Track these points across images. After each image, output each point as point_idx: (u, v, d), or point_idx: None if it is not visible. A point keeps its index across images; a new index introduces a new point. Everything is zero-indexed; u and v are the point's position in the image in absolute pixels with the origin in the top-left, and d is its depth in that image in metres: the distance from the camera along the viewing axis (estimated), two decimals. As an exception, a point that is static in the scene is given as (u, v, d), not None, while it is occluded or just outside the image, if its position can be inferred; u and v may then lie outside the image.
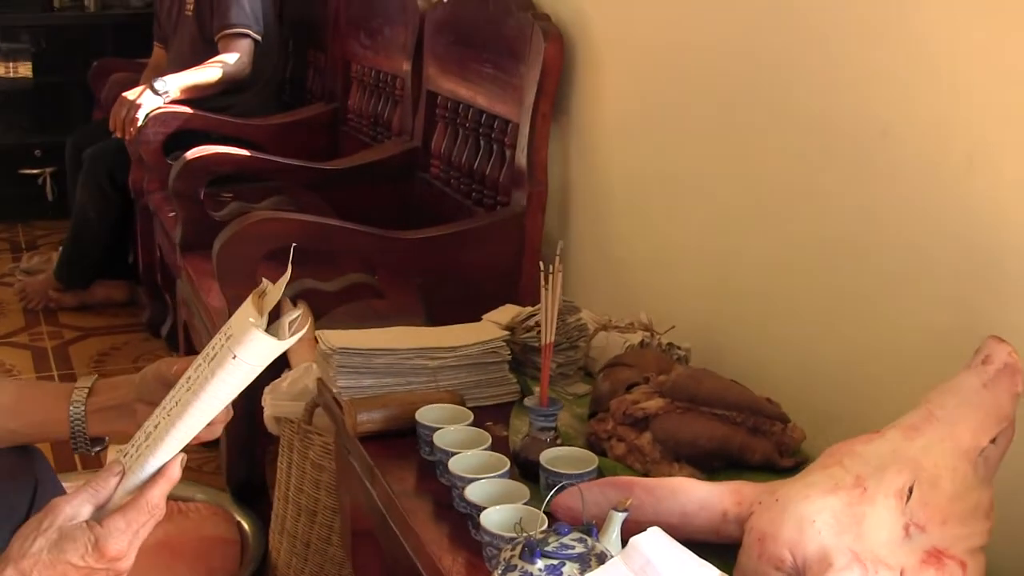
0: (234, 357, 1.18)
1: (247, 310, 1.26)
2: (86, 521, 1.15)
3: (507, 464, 1.48)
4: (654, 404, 1.58)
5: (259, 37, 3.60)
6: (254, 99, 3.63)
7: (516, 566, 1.22)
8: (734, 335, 1.95)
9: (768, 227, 1.89)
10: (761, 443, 1.58)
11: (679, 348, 1.86)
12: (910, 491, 1.26)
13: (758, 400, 1.59)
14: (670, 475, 1.53)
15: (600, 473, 1.50)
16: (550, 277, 1.59)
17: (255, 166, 2.84)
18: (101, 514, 1.19)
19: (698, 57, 2.05)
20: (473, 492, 1.42)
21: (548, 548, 1.22)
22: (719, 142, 2.01)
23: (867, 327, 1.70)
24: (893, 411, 1.52)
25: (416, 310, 2.40)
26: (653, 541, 1.22)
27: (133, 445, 1.31)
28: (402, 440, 1.66)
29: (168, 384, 1.32)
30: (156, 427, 1.26)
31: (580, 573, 1.21)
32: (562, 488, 1.39)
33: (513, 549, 1.25)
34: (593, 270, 2.44)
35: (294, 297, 2.26)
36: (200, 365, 1.25)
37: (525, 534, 1.26)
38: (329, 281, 2.31)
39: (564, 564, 1.21)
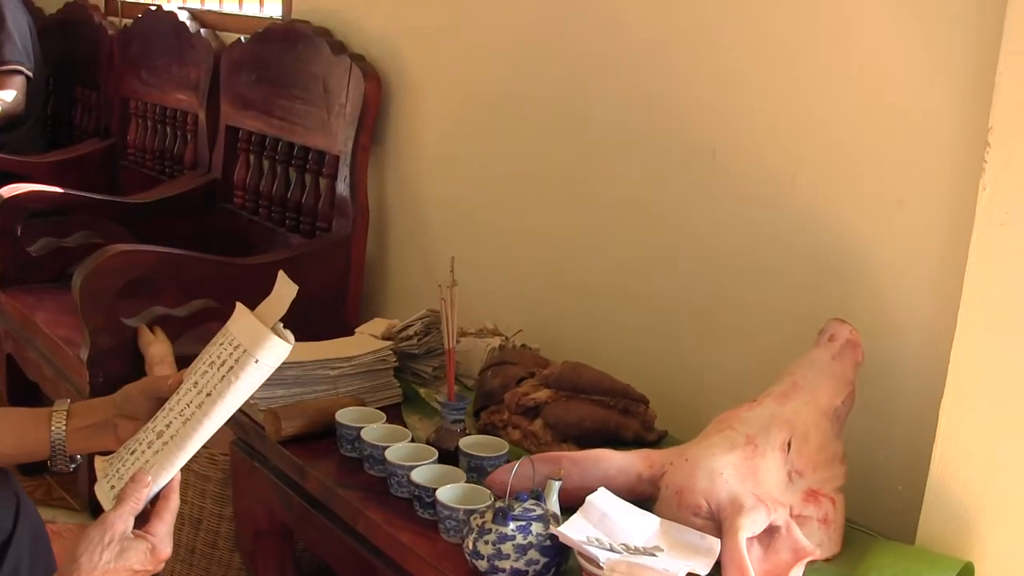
0: (256, 361, 1.30)
1: (247, 320, 1.37)
2: (140, 532, 1.27)
3: (435, 453, 1.63)
4: (543, 394, 1.77)
5: (31, 74, 3.52)
6: (27, 136, 3.54)
7: (491, 529, 1.39)
8: (569, 336, 2.16)
9: (600, 240, 2.12)
10: (631, 422, 1.80)
11: (530, 348, 2.06)
12: (789, 445, 1.52)
13: (626, 386, 1.82)
14: (560, 454, 1.73)
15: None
16: (447, 290, 1.74)
17: (69, 202, 2.81)
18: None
19: (523, 88, 2.26)
20: (419, 476, 1.56)
21: (515, 512, 1.39)
22: (546, 166, 2.23)
23: (695, 324, 1.96)
24: (718, 389, 1.80)
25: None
26: (605, 498, 1.43)
27: (129, 451, 1.38)
28: (317, 442, 1.77)
29: (157, 398, 1.42)
30: (167, 429, 1.34)
31: (545, 529, 1.39)
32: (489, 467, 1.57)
33: (483, 516, 1.42)
34: (416, 286, 2.60)
35: (149, 324, 2.30)
36: (207, 372, 1.35)
37: (496, 503, 1.42)
38: (179, 307, 2.35)
39: (531, 524, 1.39)
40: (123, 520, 1.26)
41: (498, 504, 1.42)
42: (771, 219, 1.81)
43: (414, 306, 2.53)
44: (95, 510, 2.39)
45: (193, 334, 2.37)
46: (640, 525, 1.40)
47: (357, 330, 2.07)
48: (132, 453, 1.37)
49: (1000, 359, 1.43)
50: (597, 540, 1.36)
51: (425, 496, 1.54)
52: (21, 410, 1.55)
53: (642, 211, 2.03)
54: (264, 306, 1.46)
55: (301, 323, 2.41)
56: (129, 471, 1.35)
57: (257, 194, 2.91)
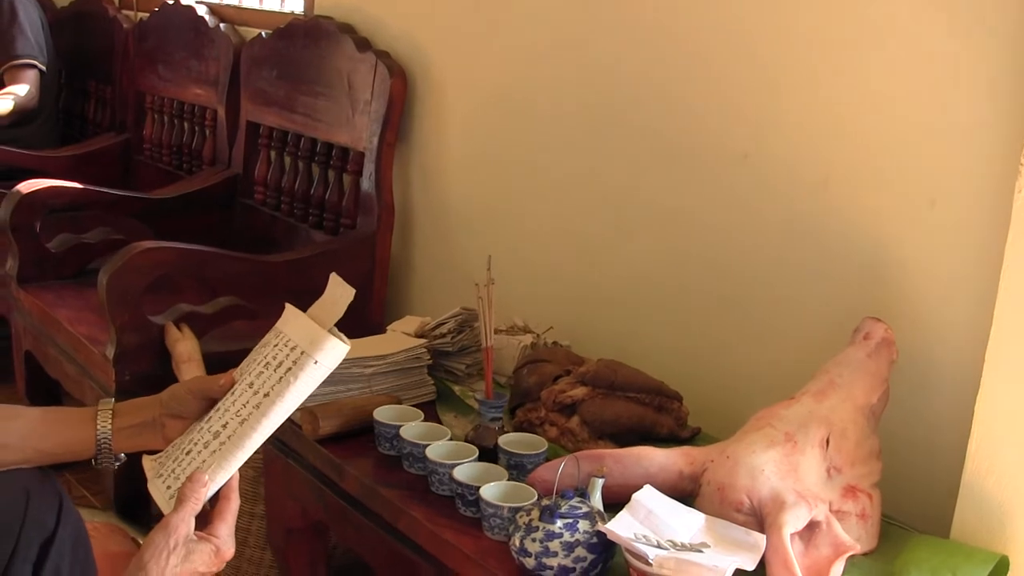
0: (315, 362, 1.33)
1: (302, 322, 1.40)
2: (203, 534, 1.28)
3: (475, 451, 1.66)
4: (579, 392, 1.80)
5: (44, 68, 3.54)
6: (39, 130, 3.55)
7: (538, 527, 1.41)
8: (599, 333, 2.19)
9: (628, 239, 2.15)
10: (666, 419, 1.83)
11: (561, 344, 2.09)
12: (827, 442, 1.55)
13: (660, 383, 1.84)
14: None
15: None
16: (484, 288, 1.77)
17: (89, 198, 2.83)
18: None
19: (550, 88, 2.28)
20: (461, 474, 1.59)
21: (562, 510, 1.42)
22: (574, 166, 2.25)
23: (727, 322, 1.99)
24: (751, 387, 1.82)
25: (276, 328, 2.51)
26: (651, 495, 1.46)
27: (184, 451, 1.40)
28: (353, 440, 1.79)
29: (207, 398, 1.45)
30: (224, 429, 1.36)
31: (591, 526, 1.42)
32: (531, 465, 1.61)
33: (529, 514, 1.44)
34: (442, 284, 2.62)
35: (176, 321, 2.32)
36: (263, 373, 1.38)
37: (542, 501, 1.45)
38: (204, 304, 2.37)
39: (578, 521, 1.41)
40: (185, 522, 1.27)
41: (545, 502, 1.45)
42: (804, 220, 1.84)
43: (439, 304, 2.56)
44: (120, 507, 2.42)
45: (219, 332, 2.39)
46: (685, 522, 1.43)
47: (389, 328, 2.09)
48: (187, 453, 1.40)
49: (1037, 357, 1.46)
50: (644, 537, 1.38)
51: (468, 494, 1.57)
52: (64, 410, 1.57)
53: (672, 212, 2.06)
54: (317, 308, 1.49)
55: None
56: (186, 471, 1.37)
57: (278, 190, 2.93)
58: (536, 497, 1.52)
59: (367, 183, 2.58)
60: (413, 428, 1.72)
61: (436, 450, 1.66)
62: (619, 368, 1.83)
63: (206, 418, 1.43)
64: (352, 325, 2.44)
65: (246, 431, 1.34)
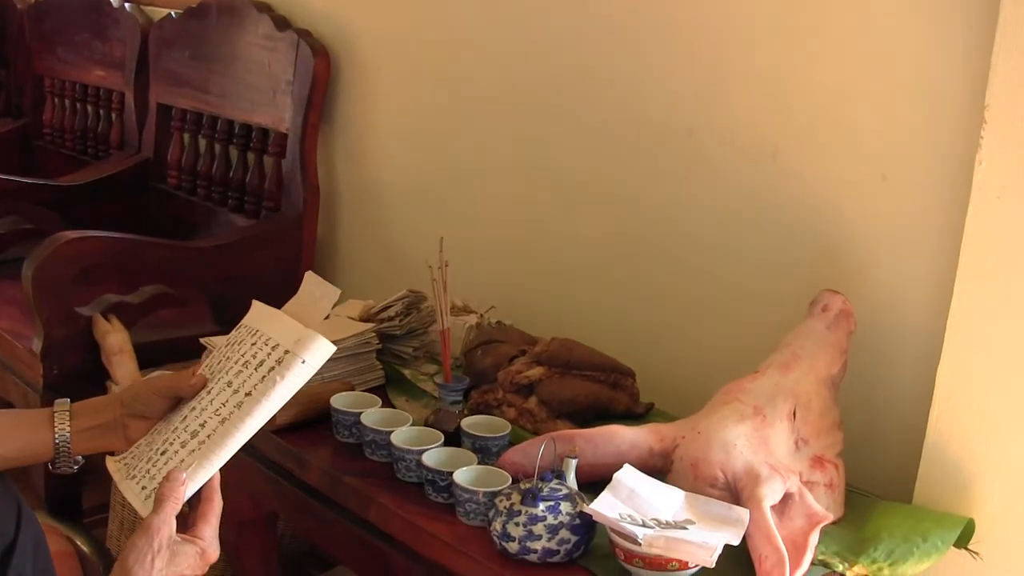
0: (303, 362, 1.30)
1: (283, 321, 1.36)
2: (187, 536, 1.23)
3: (439, 435, 1.62)
4: (536, 372, 1.78)
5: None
6: (-70, 117, 3.38)
7: (520, 511, 1.39)
8: (541, 312, 2.16)
9: (569, 218, 2.13)
10: (621, 396, 1.82)
11: (505, 324, 2.06)
12: (794, 414, 1.56)
13: (614, 361, 1.83)
14: (555, 431, 1.74)
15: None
16: (438, 271, 1.73)
17: (-5, 187, 2.70)
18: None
19: (485, 65, 2.25)
20: (430, 460, 1.55)
21: (544, 493, 1.40)
22: (511, 146, 2.21)
23: (673, 298, 1.98)
24: (699, 362, 1.83)
25: (206, 316, 2.43)
26: (631, 475, 1.44)
27: (159, 451, 1.34)
28: (309, 430, 1.74)
29: (173, 397, 1.39)
30: (202, 429, 1.31)
31: (573, 508, 1.40)
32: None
33: (510, 498, 1.41)
34: (369, 266, 2.57)
35: (103, 312, 2.22)
36: (242, 372, 1.33)
37: (522, 484, 1.43)
38: (131, 294, 2.28)
39: (559, 503, 1.39)
40: (167, 524, 1.22)
41: (524, 485, 1.42)
42: (753, 194, 1.84)
43: (366, 286, 2.51)
44: (51, 507, 2.32)
45: (146, 321, 2.30)
46: (666, 499, 1.42)
47: (332, 312, 2.03)
48: (162, 454, 1.34)
49: (997, 324, 1.49)
50: (629, 516, 1.37)
51: (439, 480, 1.53)
52: (17, 412, 1.49)
53: (617, 188, 2.04)
54: (294, 305, 1.45)
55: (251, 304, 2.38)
56: (162, 471, 1.31)
57: (194, 173, 2.83)
58: (510, 481, 1.49)
59: (291, 165, 2.51)
60: (373, 414, 1.68)
61: (400, 436, 1.61)
62: (574, 347, 1.81)
63: (180, 417, 1.38)
64: (279, 307, 2.38)
65: (228, 430, 1.29)
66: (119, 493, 2.09)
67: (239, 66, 2.62)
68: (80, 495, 2.32)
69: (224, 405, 1.33)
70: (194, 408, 1.37)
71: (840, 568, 1.43)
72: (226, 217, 2.69)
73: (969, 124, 1.54)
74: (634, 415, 1.82)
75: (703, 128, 1.89)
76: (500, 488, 1.47)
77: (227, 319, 2.35)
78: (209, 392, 1.38)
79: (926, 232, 1.63)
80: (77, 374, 2.19)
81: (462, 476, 1.50)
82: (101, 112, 3.17)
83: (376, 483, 1.60)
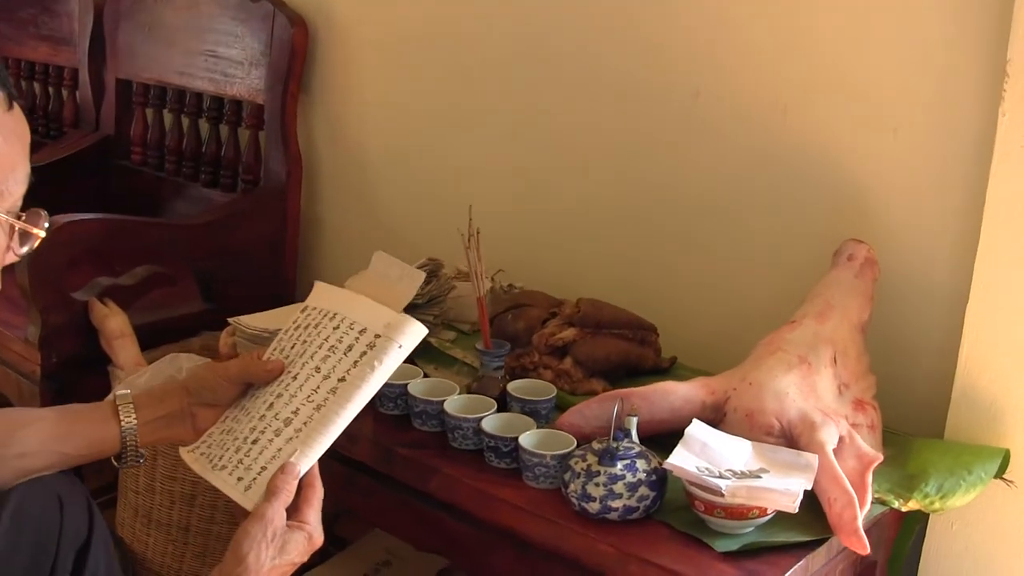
0: (400, 347, 1.29)
1: (361, 303, 1.35)
2: (295, 523, 1.23)
3: (494, 403, 1.62)
4: (569, 333, 1.79)
5: None
6: None
7: (599, 471, 1.41)
8: (552, 273, 2.17)
9: (577, 178, 2.13)
10: (648, 352, 1.85)
11: (516, 287, 2.06)
12: (835, 360, 1.61)
13: (640, 318, 1.86)
14: (590, 390, 1.76)
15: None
16: (472, 239, 1.73)
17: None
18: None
19: (475, 24, 2.22)
20: (489, 426, 1.56)
21: (619, 452, 1.42)
22: (513, 105, 2.19)
23: (687, 256, 2.01)
24: (703, 315, 1.88)
25: (194, 294, 2.39)
26: (702, 429, 1.47)
27: (250, 441, 1.32)
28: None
29: (245, 384, 1.38)
30: (296, 416, 1.30)
31: (648, 465, 1.42)
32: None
33: (586, 460, 1.43)
34: (357, 234, 2.54)
35: (99, 296, 2.17)
36: (329, 357, 1.32)
37: (594, 444, 1.45)
38: (124, 276, 2.22)
39: (635, 461, 1.42)
40: (279, 514, 1.22)
41: (598, 446, 1.44)
42: (763, 152, 1.86)
43: (355, 255, 2.47)
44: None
45: (141, 303, 2.25)
46: (737, 450, 1.45)
47: (346, 285, 2.01)
48: (254, 443, 1.32)
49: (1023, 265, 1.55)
50: (707, 469, 1.40)
51: (502, 446, 1.54)
52: (78, 407, 1.45)
53: (623, 147, 2.05)
54: (362, 285, 1.43)
55: (240, 279, 2.35)
56: (257, 461, 1.30)
57: (160, 149, 2.76)
58: (574, 442, 1.51)
59: (270, 136, 2.46)
60: (419, 385, 1.68)
61: (452, 405, 1.62)
62: (603, 306, 1.83)
63: (262, 404, 1.36)
64: (266, 282, 2.36)
65: (328, 416, 1.29)
66: (130, 479, 2.05)
67: (207, 39, 2.55)
68: (83, 478, 2.26)
69: (316, 391, 1.32)
70: (280, 395, 1.35)
71: (896, 504, 1.49)
72: (199, 192, 2.63)
73: (985, 78, 1.58)
74: (661, 370, 1.86)
75: (710, 89, 1.91)
76: (568, 450, 1.49)
77: (216, 296, 2.32)
78: (295, 379, 1.36)
79: (942, 182, 1.69)
80: (76, 361, 2.13)
81: (527, 440, 1.51)
82: (51, 90, 3.05)
83: (431, 453, 1.60)
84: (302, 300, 2.50)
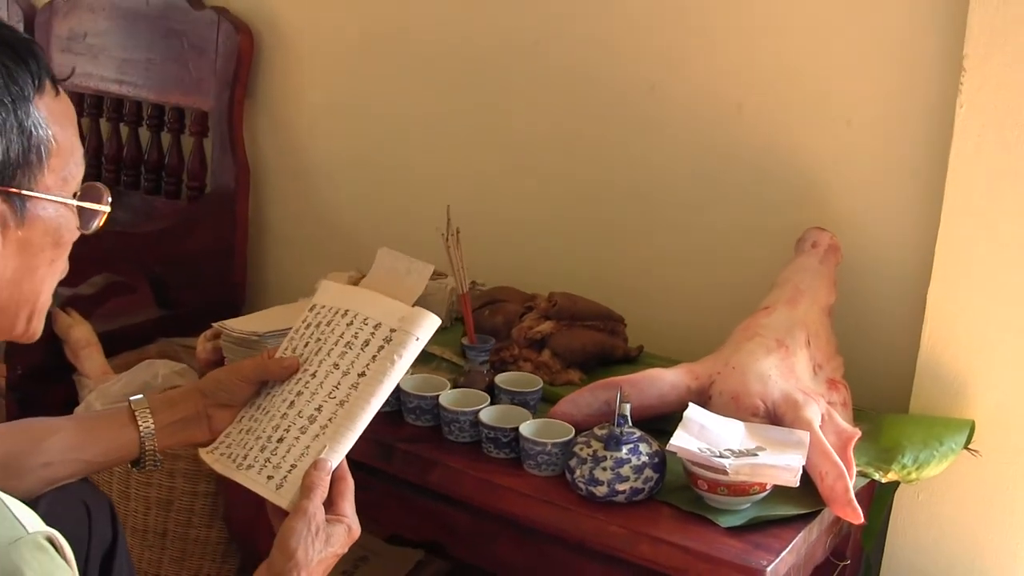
0: (417, 339, 1.31)
1: (371, 298, 1.37)
2: (334, 516, 1.26)
3: (487, 397, 1.65)
4: (547, 326, 1.83)
5: None
6: None
7: (605, 456, 1.45)
8: (510, 270, 2.20)
9: (524, 177, 2.16)
10: (618, 341, 1.91)
11: (479, 284, 2.09)
12: (808, 342, 1.68)
13: (609, 309, 1.91)
14: (568, 381, 1.81)
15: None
16: (452, 237, 1.75)
17: None
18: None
19: (421, 26, 2.24)
20: (487, 417, 1.59)
21: (623, 437, 1.47)
22: (464, 105, 2.22)
23: (642, 250, 2.06)
24: (676, 305, 1.94)
25: (149, 301, 2.37)
26: (699, 412, 1.53)
27: (275, 439, 1.33)
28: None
29: (258, 383, 1.41)
30: (319, 413, 1.32)
31: (650, 448, 1.47)
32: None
33: (590, 446, 1.47)
34: (305, 240, 2.53)
35: (62, 305, 2.13)
36: (346, 353, 1.34)
37: (598, 430, 1.49)
38: (83, 285, 2.19)
39: (638, 445, 1.47)
40: (319, 508, 1.24)
41: (601, 432, 1.48)
42: (720, 146, 1.92)
43: (304, 258, 2.49)
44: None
45: (100, 311, 2.22)
46: (731, 431, 1.51)
47: (317, 286, 2.01)
48: (280, 441, 1.33)
49: (981, 247, 1.64)
50: (708, 450, 1.45)
51: (502, 436, 1.56)
52: (94, 414, 1.45)
53: (578, 144, 2.09)
54: (373, 283, 1.44)
55: (192, 285, 2.34)
56: (286, 459, 1.31)
57: (98, 158, 2.71)
58: (573, 431, 1.55)
59: (217, 143, 2.44)
60: (410, 381, 1.69)
61: (448, 399, 1.64)
62: (576, 299, 1.88)
63: (281, 402, 1.37)
64: (216, 288, 2.35)
65: (353, 412, 1.31)
66: (102, 486, 2.02)
67: (150, 48, 2.52)
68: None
69: (337, 388, 1.34)
70: (300, 393, 1.36)
71: (877, 476, 1.56)
72: (141, 199, 2.60)
73: (940, 72, 1.68)
74: (630, 358, 1.91)
75: (664, 84, 1.97)
76: (567, 438, 1.52)
77: (170, 302, 2.30)
78: (313, 376, 1.37)
79: (897, 170, 1.78)
80: (41, 372, 2.09)
81: (527, 429, 1.54)
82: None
83: (429, 447, 1.62)
84: (252, 305, 2.53)
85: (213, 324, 1.78)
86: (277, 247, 2.57)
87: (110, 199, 1.14)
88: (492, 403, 1.65)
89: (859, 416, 1.72)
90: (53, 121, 1.03)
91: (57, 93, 1.06)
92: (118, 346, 2.19)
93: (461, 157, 2.24)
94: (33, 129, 1.00)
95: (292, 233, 2.54)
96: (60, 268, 1.13)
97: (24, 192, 1.00)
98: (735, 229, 1.95)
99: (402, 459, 1.63)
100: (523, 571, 1.55)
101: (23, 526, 0.84)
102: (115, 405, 1.58)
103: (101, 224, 1.15)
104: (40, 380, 2.07)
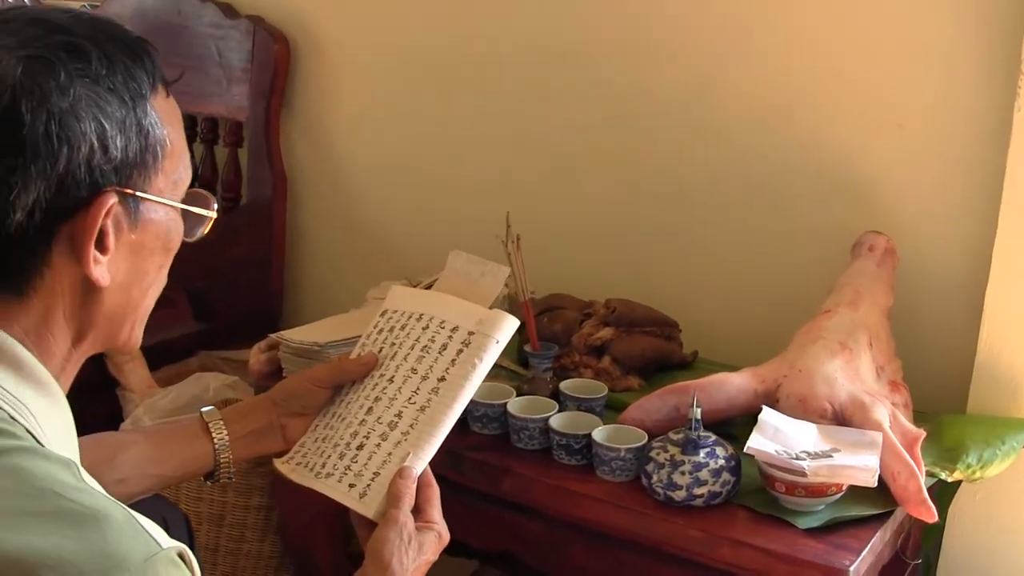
0: (497, 342, 1.34)
1: (451, 303, 1.38)
2: (423, 523, 1.28)
3: (555, 404, 1.68)
4: (606, 332, 1.86)
5: None
6: None
7: (683, 461, 1.48)
8: (553, 276, 2.22)
9: (569, 183, 2.18)
10: (674, 347, 1.93)
11: (532, 292, 2.11)
12: (870, 344, 1.71)
13: (664, 315, 1.94)
14: (628, 387, 1.84)
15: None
16: (510, 244, 1.78)
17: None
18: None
19: (461, 35, 2.26)
20: (558, 424, 1.61)
21: (700, 441, 1.50)
22: (502, 113, 2.24)
23: (694, 256, 2.09)
24: (711, 310, 1.96)
25: (187, 314, 2.38)
26: (773, 415, 1.56)
27: (355, 447, 1.35)
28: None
29: (335, 387, 1.43)
30: (400, 419, 1.34)
31: (726, 452, 1.50)
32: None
33: (667, 451, 1.50)
34: (344, 250, 2.55)
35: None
36: (424, 357, 1.36)
37: (673, 435, 1.52)
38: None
39: (715, 449, 1.50)
40: (409, 517, 1.25)
41: (677, 436, 1.51)
42: (769, 151, 1.95)
43: (343, 269, 2.51)
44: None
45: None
46: (805, 433, 1.54)
47: (368, 296, 2.04)
48: (360, 448, 1.34)
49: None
50: (785, 452, 1.48)
51: (574, 443, 1.59)
52: (168, 427, 1.45)
53: (619, 154, 2.11)
54: (446, 286, 1.46)
55: (229, 296, 2.35)
56: (368, 467, 1.32)
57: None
58: (645, 436, 1.58)
59: (254, 153, 2.46)
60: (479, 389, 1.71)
61: (516, 406, 1.66)
62: (634, 306, 1.90)
63: (358, 408, 1.39)
64: (254, 299, 2.37)
65: (435, 417, 1.32)
66: (167, 493, 2.04)
67: (183, 57, 2.53)
68: None
69: (416, 393, 1.35)
70: (378, 399, 1.37)
71: (943, 475, 1.60)
72: (177, 211, 2.60)
73: (995, 74, 1.71)
74: (686, 364, 1.93)
75: (713, 90, 2.00)
76: (641, 443, 1.55)
77: (207, 314, 2.31)
78: (391, 381, 1.38)
79: (951, 173, 1.81)
80: (84, 387, 2.08)
81: (601, 436, 1.57)
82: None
83: (498, 455, 1.64)
84: (290, 315, 2.55)
85: (270, 335, 1.80)
86: (314, 257, 2.59)
87: (216, 206, 1.12)
88: (558, 410, 1.67)
89: (918, 417, 1.74)
90: (167, 121, 1.01)
91: (168, 95, 1.05)
92: (158, 360, 2.21)
93: (502, 165, 2.26)
94: (150, 128, 0.98)
95: (329, 242, 2.56)
96: (164, 277, 1.11)
97: (139, 194, 0.98)
98: (786, 234, 1.98)
99: (471, 468, 1.65)
100: (597, 576, 1.58)
101: (156, 541, 0.83)
102: (179, 418, 1.58)
103: (206, 231, 1.14)
104: (84, 395, 2.05)
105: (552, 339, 1.87)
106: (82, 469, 0.88)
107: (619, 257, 2.16)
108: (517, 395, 1.72)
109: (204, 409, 1.42)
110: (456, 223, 2.33)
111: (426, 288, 1.66)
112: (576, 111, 2.15)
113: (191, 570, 0.86)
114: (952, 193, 1.81)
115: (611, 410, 1.70)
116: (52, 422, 0.94)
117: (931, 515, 1.47)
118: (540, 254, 2.17)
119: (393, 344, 1.42)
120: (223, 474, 1.40)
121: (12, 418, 0.89)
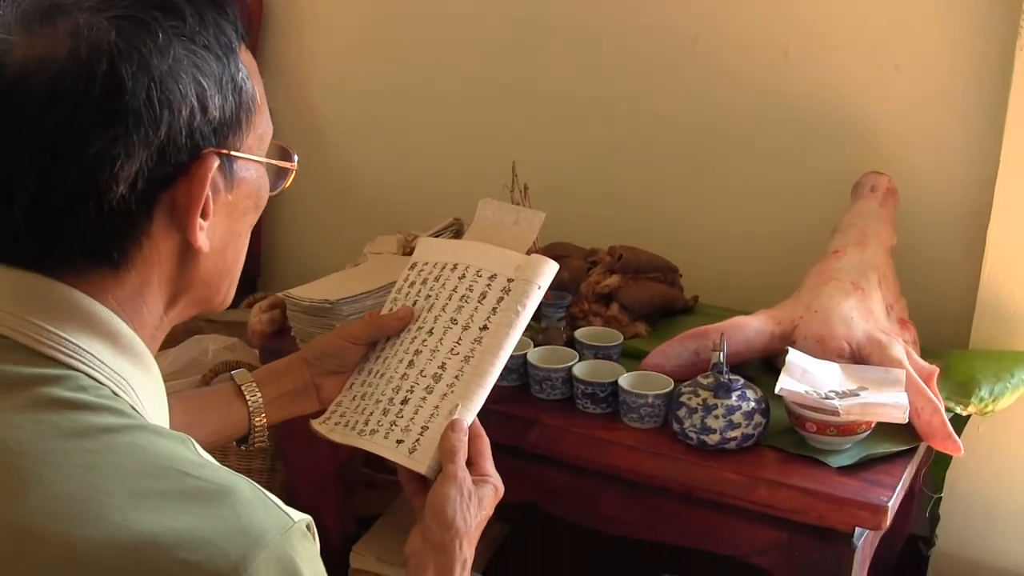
0: (539, 287, 1.32)
1: (484, 250, 1.37)
2: (479, 477, 1.25)
3: (575, 354, 1.68)
4: (614, 280, 1.87)
5: None
6: None
7: (716, 404, 1.50)
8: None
9: (561, 134, 2.18)
10: (677, 293, 1.95)
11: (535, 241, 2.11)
12: (880, 284, 1.74)
13: (666, 260, 1.95)
14: (636, 334, 1.85)
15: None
16: (517, 192, 1.77)
17: None
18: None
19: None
20: (582, 373, 1.62)
21: (732, 385, 1.52)
22: (489, 63, 2.22)
23: (693, 200, 2.10)
24: (729, 253, 1.98)
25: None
26: (799, 356, 1.58)
27: (399, 401, 1.33)
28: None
29: (367, 345, 1.41)
30: (444, 371, 1.32)
31: (756, 394, 1.52)
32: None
33: (699, 395, 1.52)
34: (323, 206, 2.52)
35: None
36: (463, 307, 1.35)
37: (703, 379, 1.53)
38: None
39: (745, 391, 1.52)
40: (466, 472, 1.23)
41: (707, 380, 1.52)
42: (766, 93, 1.96)
43: (322, 229, 2.48)
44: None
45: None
46: (830, 372, 1.56)
47: (366, 251, 2.01)
48: (404, 403, 1.32)
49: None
50: (815, 392, 1.51)
51: (599, 392, 1.60)
52: (198, 392, 1.42)
53: (613, 102, 2.11)
54: (477, 235, 1.44)
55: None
56: (416, 421, 1.30)
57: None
58: (671, 382, 1.59)
59: (227, 111, 2.40)
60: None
61: (536, 356, 1.66)
62: (639, 252, 1.91)
63: (398, 363, 1.36)
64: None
65: (481, 367, 1.30)
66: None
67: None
68: None
69: (459, 343, 1.33)
70: (419, 352, 1.35)
71: (959, 410, 1.64)
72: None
73: (996, 15, 1.74)
74: (689, 309, 1.95)
75: (708, 33, 2.00)
76: (668, 389, 1.57)
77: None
78: (430, 333, 1.36)
79: (947, 113, 1.84)
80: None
81: (627, 382, 1.58)
82: None
83: (522, 407, 1.64)
84: (268, 276, 2.51)
85: (277, 294, 1.77)
86: (292, 217, 2.55)
87: (296, 157, 1.08)
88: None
89: (925, 354, 1.78)
90: (253, 75, 0.97)
91: (246, 46, 1.00)
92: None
93: (494, 117, 2.25)
94: (243, 84, 0.93)
95: (307, 202, 2.52)
96: (249, 235, 1.05)
97: (234, 153, 0.94)
98: (783, 176, 2.00)
99: (496, 421, 1.63)
100: (628, 525, 1.59)
101: (287, 514, 0.80)
102: (215, 383, 1.54)
103: (288, 184, 1.08)
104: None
105: (559, 288, 1.87)
106: (196, 443, 0.85)
107: (617, 203, 2.16)
108: (534, 345, 1.72)
109: (234, 372, 1.39)
110: (436, 179, 2.32)
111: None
112: (570, 59, 2.14)
113: (316, 541, 0.84)
114: (952, 132, 1.84)
115: (625, 358, 1.71)
116: (149, 395, 0.91)
117: (957, 449, 1.51)
118: (536, 204, 2.17)
119: (428, 296, 1.40)
120: (257, 438, 1.37)
121: (115, 394, 0.86)
